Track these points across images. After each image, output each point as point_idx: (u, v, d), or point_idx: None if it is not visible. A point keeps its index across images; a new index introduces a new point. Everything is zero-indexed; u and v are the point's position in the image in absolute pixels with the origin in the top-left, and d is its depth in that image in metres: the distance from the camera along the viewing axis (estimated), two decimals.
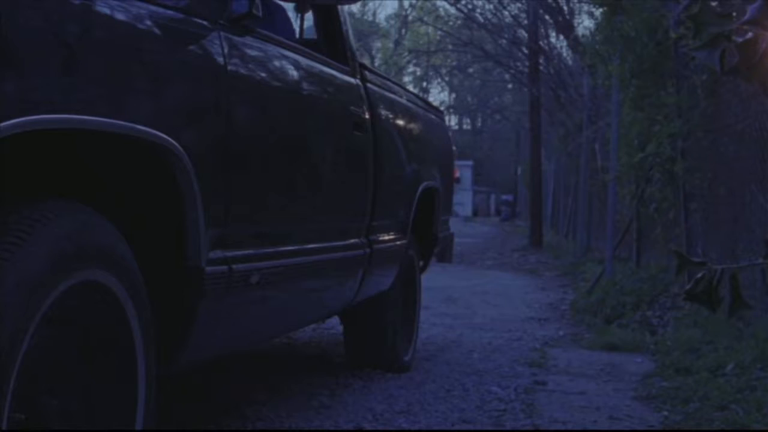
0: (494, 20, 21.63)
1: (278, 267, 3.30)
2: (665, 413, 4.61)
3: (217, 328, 2.90)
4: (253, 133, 3.08)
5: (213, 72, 2.79)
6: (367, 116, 4.35)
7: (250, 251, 3.07)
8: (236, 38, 2.98)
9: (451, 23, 26.34)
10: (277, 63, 3.36)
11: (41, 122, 2.05)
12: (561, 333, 7.60)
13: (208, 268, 2.74)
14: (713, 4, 2.63)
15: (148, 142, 2.44)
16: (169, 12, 2.62)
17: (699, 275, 2.53)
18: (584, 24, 19.33)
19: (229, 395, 4.50)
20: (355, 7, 25.52)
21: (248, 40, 3.09)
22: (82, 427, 2.28)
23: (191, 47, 2.71)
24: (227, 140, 2.84)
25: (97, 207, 2.35)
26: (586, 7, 18.16)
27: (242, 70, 2.99)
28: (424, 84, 43.81)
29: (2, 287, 1.96)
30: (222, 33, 2.88)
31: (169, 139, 2.48)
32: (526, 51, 20.16)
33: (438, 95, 54.24)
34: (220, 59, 2.83)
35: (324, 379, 5.00)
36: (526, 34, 20.15)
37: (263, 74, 3.21)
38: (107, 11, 2.33)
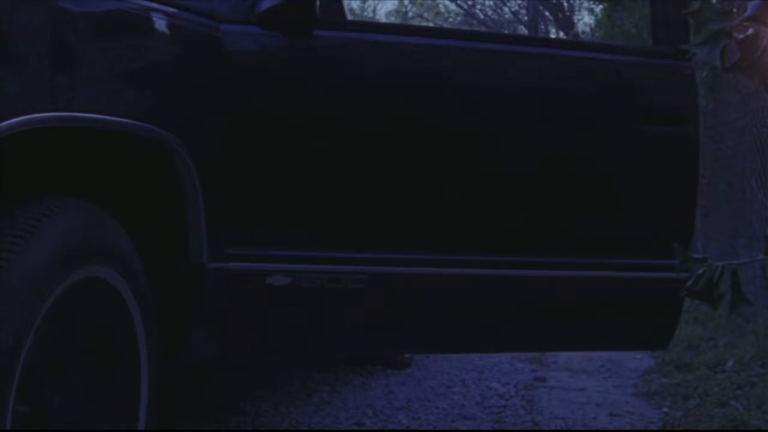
0: (494, 17, 21.63)
1: (329, 273, 2.97)
2: (665, 410, 4.61)
3: (223, 327, 2.87)
4: (267, 131, 2.91)
5: (217, 68, 2.76)
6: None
7: (275, 252, 2.90)
8: (259, 33, 2.87)
9: (451, 20, 26.31)
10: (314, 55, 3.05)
11: (44, 120, 2.06)
12: None
13: (211, 265, 2.72)
14: (714, 0, 2.63)
15: (151, 140, 2.44)
16: (174, 10, 2.61)
17: (699, 271, 2.53)
18: (584, 20, 19.34)
19: (228, 391, 4.49)
20: (355, 4, 25.52)
21: (279, 34, 2.90)
22: (86, 422, 2.28)
23: (193, 45, 2.70)
24: (235, 138, 2.80)
25: (102, 204, 2.35)
26: (586, 4, 18.15)
27: (255, 65, 2.87)
28: None
29: (8, 281, 1.97)
30: (234, 29, 2.81)
31: (173, 136, 2.48)
32: None
33: None
34: (228, 56, 2.78)
35: (324, 375, 5.00)
36: (526, 31, 20.13)
37: (285, 70, 2.96)
38: (109, 9, 2.33)
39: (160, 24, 2.53)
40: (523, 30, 20.59)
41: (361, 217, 3.05)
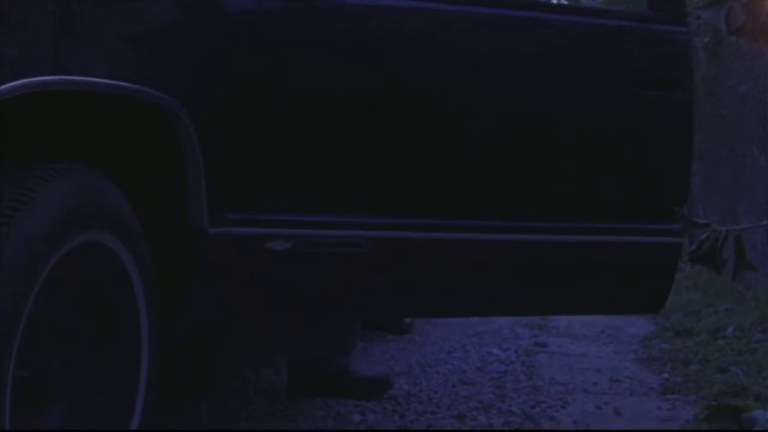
0: None
1: (329, 238, 2.93)
2: (665, 375, 4.62)
3: (223, 292, 2.86)
4: (268, 95, 2.84)
5: (218, 32, 2.73)
6: None
7: (276, 216, 2.85)
8: None
9: None
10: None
11: (44, 84, 2.05)
12: None
13: (212, 230, 2.70)
14: None
15: (151, 104, 2.43)
16: None
17: (702, 237, 2.52)
18: None
19: (228, 356, 4.50)
20: None
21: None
22: (86, 388, 2.28)
23: (195, 8, 2.68)
24: (236, 102, 2.77)
25: (102, 169, 2.34)
26: None
27: (254, 29, 2.81)
28: None
29: (8, 246, 1.96)
30: None
31: (173, 100, 2.46)
32: None
33: None
34: (229, 19, 2.75)
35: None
36: None
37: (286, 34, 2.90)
38: None
39: None
40: None
41: (362, 182, 3.04)
